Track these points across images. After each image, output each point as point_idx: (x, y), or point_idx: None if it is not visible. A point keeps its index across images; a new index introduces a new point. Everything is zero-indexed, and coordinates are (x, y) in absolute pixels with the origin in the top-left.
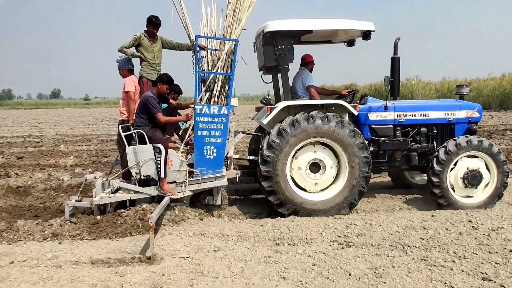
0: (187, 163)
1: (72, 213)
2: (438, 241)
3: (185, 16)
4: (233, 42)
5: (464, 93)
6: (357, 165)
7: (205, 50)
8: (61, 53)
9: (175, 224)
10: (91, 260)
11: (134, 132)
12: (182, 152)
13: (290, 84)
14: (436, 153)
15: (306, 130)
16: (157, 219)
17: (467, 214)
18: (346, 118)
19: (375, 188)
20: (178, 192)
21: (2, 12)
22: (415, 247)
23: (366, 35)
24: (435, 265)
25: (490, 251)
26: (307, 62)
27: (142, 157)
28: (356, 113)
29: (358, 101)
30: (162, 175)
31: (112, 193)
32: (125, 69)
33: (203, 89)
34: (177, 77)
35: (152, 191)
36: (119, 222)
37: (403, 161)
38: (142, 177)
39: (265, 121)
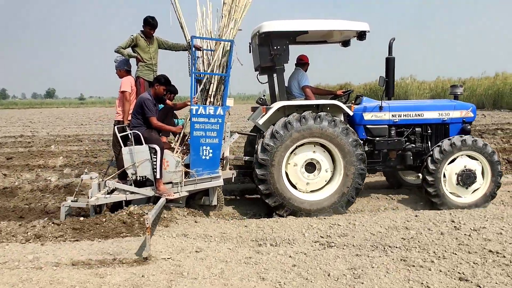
0: (183, 163)
1: (68, 214)
2: (419, 241)
3: (181, 16)
4: (229, 43)
5: (458, 93)
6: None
7: (200, 50)
8: (56, 52)
9: (160, 225)
10: (72, 262)
11: (130, 133)
12: (177, 152)
13: (286, 84)
14: (431, 152)
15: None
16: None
17: (450, 214)
18: (342, 118)
19: None
20: (174, 193)
21: None
22: (396, 247)
23: (361, 35)
24: (413, 265)
25: (470, 251)
26: (303, 63)
27: (138, 157)
28: (351, 113)
29: (353, 101)
30: (158, 176)
31: (108, 193)
32: (123, 69)
33: (199, 89)
34: (173, 77)
35: (148, 191)
36: (103, 224)
37: (398, 161)
38: (138, 178)
39: (261, 121)
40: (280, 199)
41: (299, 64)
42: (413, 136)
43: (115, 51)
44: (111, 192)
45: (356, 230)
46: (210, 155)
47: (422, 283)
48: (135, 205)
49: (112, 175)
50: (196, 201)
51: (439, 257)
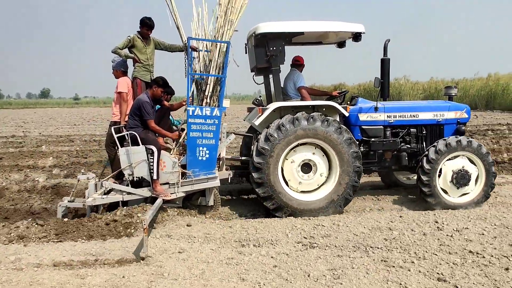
0: (179, 164)
1: (64, 214)
2: (401, 242)
3: (177, 17)
4: (225, 44)
5: (453, 94)
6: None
7: (197, 51)
8: (51, 52)
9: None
10: (54, 263)
11: (127, 134)
12: (174, 153)
13: (282, 85)
14: (426, 152)
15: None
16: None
17: (435, 215)
18: (337, 118)
19: None
20: (170, 193)
21: None
22: (378, 248)
23: (356, 36)
24: (393, 266)
25: (450, 252)
26: (299, 64)
27: (134, 158)
28: (346, 114)
29: (348, 102)
30: (154, 177)
31: (105, 194)
32: (119, 70)
33: (195, 90)
34: (169, 78)
35: (145, 192)
36: (87, 225)
37: (393, 161)
38: (135, 178)
39: (257, 122)
40: (270, 190)
41: (295, 65)
42: (408, 137)
43: (112, 52)
44: (107, 192)
45: (339, 231)
46: (207, 155)
47: (400, 284)
48: (122, 207)
49: (109, 176)
50: (193, 202)
51: (420, 257)
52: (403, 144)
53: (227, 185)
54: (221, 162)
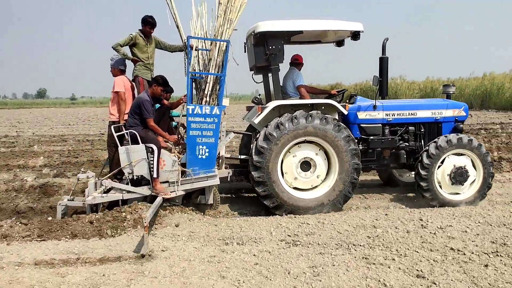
0: (179, 162)
1: (64, 213)
2: (383, 239)
3: (176, 16)
4: (225, 43)
5: (451, 92)
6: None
7: (196, 50)
8: (47, 52)
9: (130, 225)
10: (35, 261)
11: (127, 133)
12: (174, 151)
13: (281, 83)
14: (427, 147)
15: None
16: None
17: (420, 212)
18: (336, 117)
19: None
20: (170, 192)
21: None
22: (360, 245)
23: (355, 35)
24: (374, 263)
25: (432, 249)
26: (298, 63)
27: (134, 157)
28: (346, 112)
29: (347, 101)
30: (154, 175)
31: (105, 192)
32: (117, 68)
33: (195, 89)
34: (169, 76)
35: (145, 190)
36: (71, 224)
37: (392, 159)
38: (135, 177)
39: (257, 120)
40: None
41: (294, 63)
42: (406, 135)
43: (112, 47)
44: (107, 191)
45: (324, 229)
46: (207, 154)
47: (379, 281)
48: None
49: (108, 175)
50: (192, 200)
51: (401, 255)
52: (401, 142)
53: (227, 183)
54: (220, 160)
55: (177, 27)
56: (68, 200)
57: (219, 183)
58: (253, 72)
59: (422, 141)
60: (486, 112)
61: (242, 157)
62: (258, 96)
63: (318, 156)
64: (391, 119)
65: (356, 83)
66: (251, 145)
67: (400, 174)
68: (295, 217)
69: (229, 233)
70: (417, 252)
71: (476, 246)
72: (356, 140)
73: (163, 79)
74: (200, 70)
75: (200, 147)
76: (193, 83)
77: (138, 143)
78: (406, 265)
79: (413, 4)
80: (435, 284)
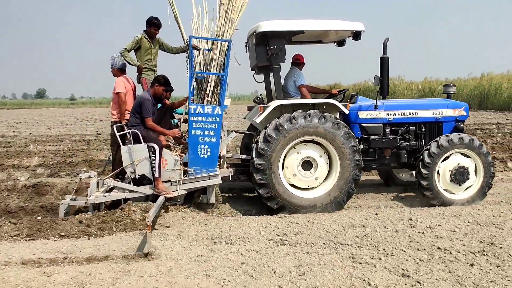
0: (181, 162)
1: (67, 212)
2: (371, 239)
3: (178, 16)
4: (226, 43)
5: (451, 92)
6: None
7: (198, 50)
8: (47, 52)
9: (119, 224)
10: (22, 261)
11: (129, 132)
12: (176, 151)
13: (282, 83)
14: (428, 146)
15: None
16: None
17: (410, 212)
18: (338, 116)
19: None
20: (172, 191)
21: None
22: (348, 244)
23: (356, 35)
24: (360, 263)
25: (419, 248)
26: (299, 63)
27: (136, 156)
28: (347, 112)
29: (348, 100)
30: (157, 174)
31: (107, 192)
32: (117, 68)
33: (197, 89)
34: (170, 76)
35: (147, 190)
36: (60, 223)
37: (393, 159)
38: (137, 176)
39: (258, 120)
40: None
41: (295, 63)
42: (407, 135)
43: (120, 53)
44: (109, 190)
45: (313, 228)
46: (208, 153)
47: (364, 280)
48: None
49: (110, 174)
50: (194, 199)
51: (388, 254)
52: (402, 141)
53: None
54: (222, 160)
55: (179, 27)
56: (70, 199)
57: (221, 182)
58: (254, 71)
59: (423, 140)
60: (484, 112)
61: (243, 157)
62: (260, 96)
63: (321, 158)
64: (392, 118)
65: (355, 83)
66: (253, 143)
67: (400, 173)
68: (285, 216)
69: (218, 233)
70: (404, 251)
71: (464, 245)
72: (357, 140)
73: (164, 78)
74: (201, 70)
75: (202, 146)
76: (195, 82)
77: (140, 143)
78: (392, 264)
79: (411, 4)
80: (419, 283)
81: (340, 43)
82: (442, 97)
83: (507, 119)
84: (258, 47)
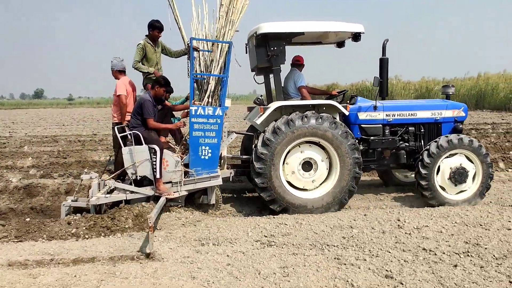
0: (182, 163)
1: (68, 213)
2: (358, 240)
3: (178, 18)
4: (227, 44)
5: (450, 93)
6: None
7: (198, 51)
8: (45, 52)
9: (105, 228)
10: (9, 262)
11: (130, 133)
12: (177, 152)
13: (282, 84)
14: (428, 146)
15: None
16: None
17: (398, 213)
18: (337, 117)
19: None
20: (173, 192)
21: None
22: (334, 246)
23: (356, 36)
24: (345, 264)
25: (404, 249)
26: (299, 64)
27: (138, 157)
28: (347, 113)
29: (348, 101)
30: (158, 176)
31: (108, 193)
32: (116, 69)
33: (197, 90)
34: (171, 78)
35: (148, 191)
36: (49, 225)
37: (392, 160)
38: (138, 177)
39: (259, 121)
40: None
41: (295, 64)
42: (406, 135)
43: (133, 68)
44: (110, 191)
45: (300, 230)
46: (209, 154)
47: (347, 281)
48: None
49: (112, 176)
50: (195, 200)
51: (373, 255)
52: (401, 142)
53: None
54: (222, 161)
55: (179, 28)
56: (72, 200)
57: (221, 183)
58: (254, 73)
59: (422, 141)
60: (480, 112)
61: (244, 157)
62: (260, 97)
63: (323, 162)
64: (391, 119)
65: (352, 83)
66: (253, 145)
67: (398, 173)
68: (273, 217)
69: (206, 234)
70: (389, 252)
71: (449, 246)
72: (357, 141)
73: (165, 80)
74: (202, 71)
75: (203, 147)
76: (195, 84)
77: (141, 144)
78: (376, 265)
79: (410, 4)
80: (402, 284)
81: (340, 44)
82: (441, 98)
83: (502, 119)
84: (258, 48)
